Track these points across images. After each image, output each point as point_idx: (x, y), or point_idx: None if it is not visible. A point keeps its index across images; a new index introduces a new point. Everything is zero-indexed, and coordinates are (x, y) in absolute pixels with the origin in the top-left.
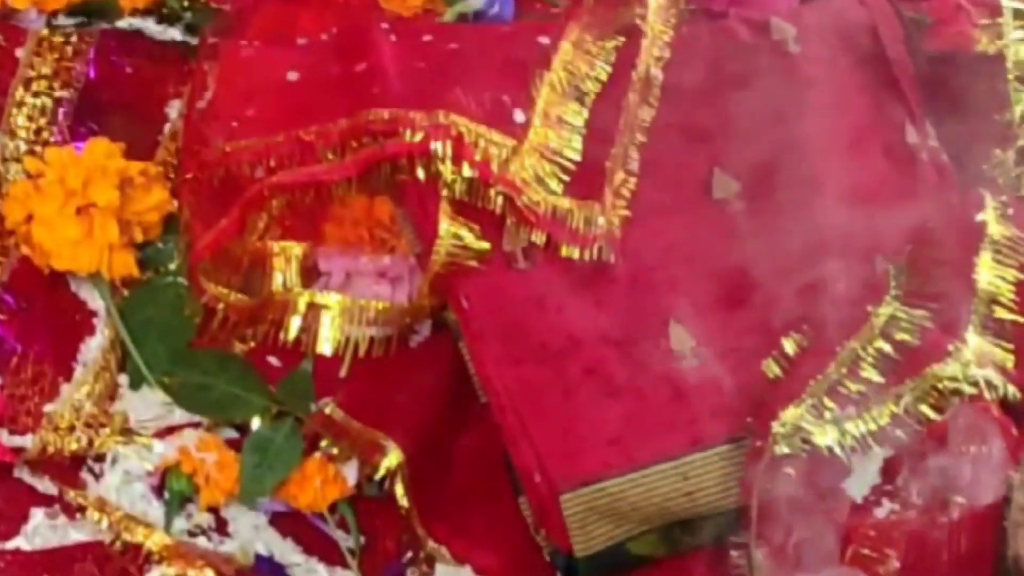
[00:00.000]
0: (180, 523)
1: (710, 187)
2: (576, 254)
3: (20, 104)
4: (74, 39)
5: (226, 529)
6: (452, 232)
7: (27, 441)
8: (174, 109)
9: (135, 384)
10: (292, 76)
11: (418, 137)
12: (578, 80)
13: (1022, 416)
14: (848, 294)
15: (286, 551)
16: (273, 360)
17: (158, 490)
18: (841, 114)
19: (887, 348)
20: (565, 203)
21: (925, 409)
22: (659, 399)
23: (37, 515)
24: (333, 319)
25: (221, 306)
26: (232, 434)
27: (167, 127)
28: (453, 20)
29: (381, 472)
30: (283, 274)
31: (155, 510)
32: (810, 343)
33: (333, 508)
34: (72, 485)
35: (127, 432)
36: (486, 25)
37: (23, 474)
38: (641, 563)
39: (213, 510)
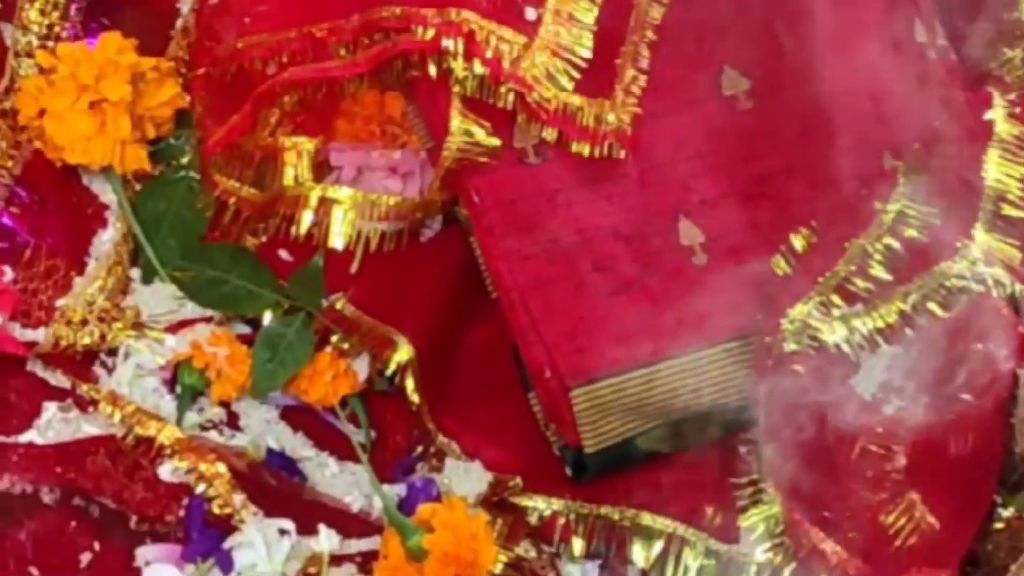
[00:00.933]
0: (192, 417)
1: (720, 84)
2: (586, 151)
3: None
4: None
5: (237, 423)
6: (463, 128)
7: (40, 335)
8: (186, 4)
9: (147, 278)
10: None
11: (430, 34)
12: None
13: None
14: (856, 191)
15: (297, 445)
16: (284, 255)
17: (170, 384)
18: (851, 11)
19: (895, 245)
20: (576, 100)
21: (933, 307)
22: (668, 295)
23: (50, 409)
24: (345, 213)
25: (233, 200)
26: (244, 329)
27: (179, 22)
28: None
29: (392, 367)
30: (295, 169)
31: (167, 404)
32: (818, 240)
33: (344, 403)
34: (85, 379)
35: (139, 326)
36: None
37: (36, 368)
38: (650, 458)
39: (225, 404)
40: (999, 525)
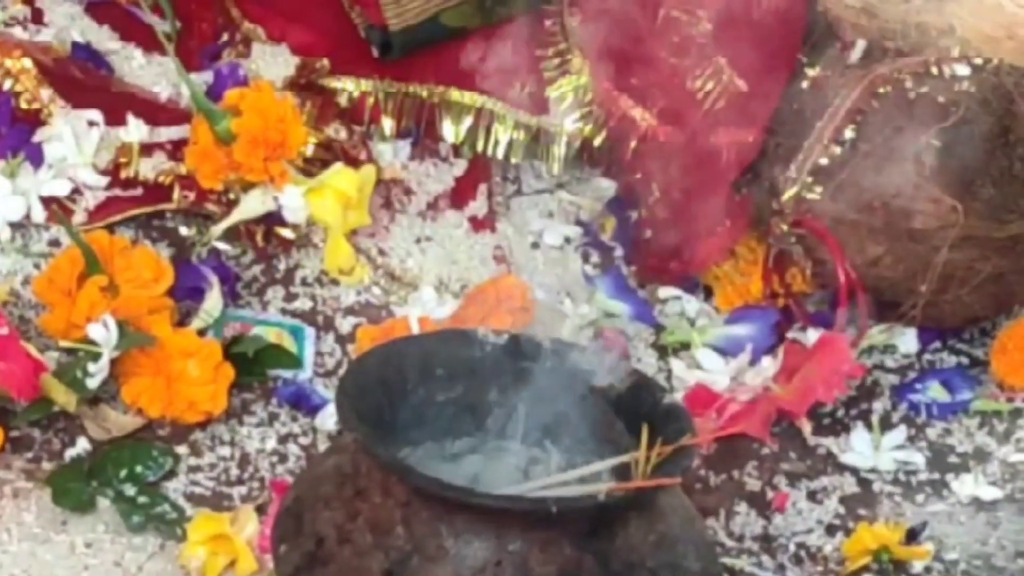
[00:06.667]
0: None
1: None
2: None
3: None
4: None
5: (42, 19)
6: None
7: None
8: None
9: None
10: None
11: None
12: None
13: None
14: None
15: (103, 38)
16: None
17: None
18: None
19: None
20: None
21: None
22: None
23: None
24: None
25: None
26: None
27: None
28: None
29: None
30: None
31: None
32: None
33: None
34: None
35: None
36: None
37: None
38: (457, 35)
39: (28, 1)
40: (805, 84)
